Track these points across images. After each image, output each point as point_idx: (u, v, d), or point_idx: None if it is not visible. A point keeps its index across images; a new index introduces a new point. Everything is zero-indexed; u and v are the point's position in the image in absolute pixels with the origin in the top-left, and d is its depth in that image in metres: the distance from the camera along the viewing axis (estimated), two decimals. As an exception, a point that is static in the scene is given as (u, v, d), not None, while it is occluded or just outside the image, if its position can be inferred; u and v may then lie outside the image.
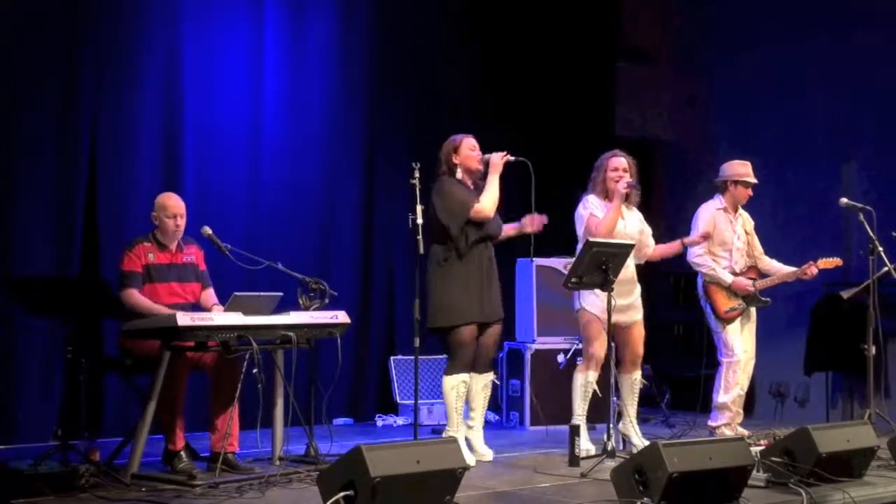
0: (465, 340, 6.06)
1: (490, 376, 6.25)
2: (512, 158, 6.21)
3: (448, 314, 6.04)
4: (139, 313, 5.58)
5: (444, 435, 6.10)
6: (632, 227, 6.53)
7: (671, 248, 6.82)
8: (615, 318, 6.29)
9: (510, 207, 6.46)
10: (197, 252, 6.00)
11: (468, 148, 6.21)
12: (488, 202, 6.09)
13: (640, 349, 6.61)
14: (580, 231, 6.50)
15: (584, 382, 6.45)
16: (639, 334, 6.59)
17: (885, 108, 8.68)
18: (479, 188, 6.22)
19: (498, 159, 6.18)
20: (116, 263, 5.91)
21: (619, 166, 6.50)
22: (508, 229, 6.40)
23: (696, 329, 7.39)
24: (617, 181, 6.44)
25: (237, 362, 5.59)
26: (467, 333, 6.06)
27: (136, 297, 5.65)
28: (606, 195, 6.49)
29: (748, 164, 7.20)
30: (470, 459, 5.85)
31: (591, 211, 6.45)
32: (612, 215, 6.36)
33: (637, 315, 6.57)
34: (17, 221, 6.76)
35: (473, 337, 6.10)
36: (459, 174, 6.21)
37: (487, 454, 6.20)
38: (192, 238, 6.00)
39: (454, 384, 6.06)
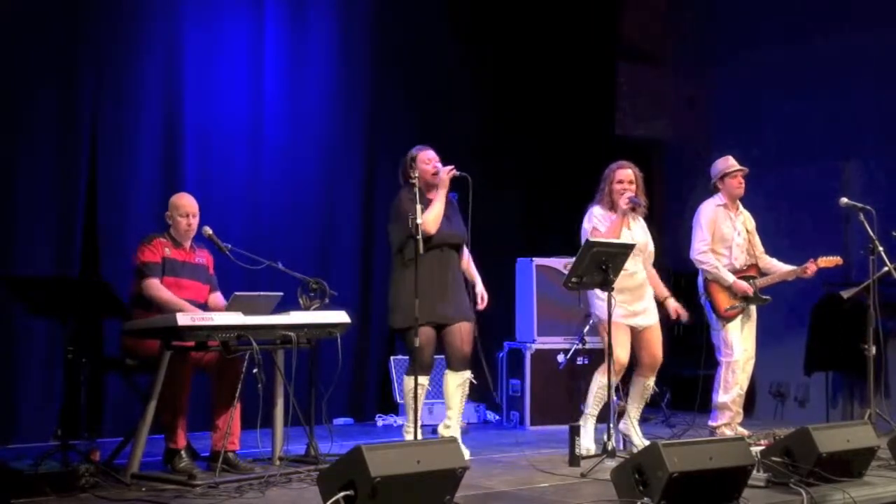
0: (418, 343, 5.99)
1: (465, 374, 6.21)
2: (457, 173, 6.12)
3: (397, 317, 6.03)
4: (158, 305, 5.58)
5: (403, 430, 6.13)
6: (638, 237, 6.52)
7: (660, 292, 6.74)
8: (631, 322, 6.38)
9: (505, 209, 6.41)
10: (207, 256, 6.02)
11: (422, 161, 6.17)
12: (430, 217, 6.02)
13: (659, 353, 6.57)
14: None
15: (602, 386, 6.41)
16: (656, 337, 6.55)
17: (885, 108, 8.67)
18: (449, 201, 6.21)
19: (444, 174, 6.12)
20: (116, 263, 5.90)
21: (624, 178, 6.47)
22: (469, 268, 6.36)
23: (696, 329, 7.38)
24: (622, 194, 6.43)
25: (237, 362, 5.59)
26: (420, 336, 5.99)
27: (159, 287, 5.65)
28: (611, 206, 6.48)
29: (729, 157, 7.24)
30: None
31: (595, 224, 6.43)
32: (612, 230, 6.35)
33: (653, 319, 6.56)
34: (18, 221, 6.76)
35: (428, 340, 6.06)
36: (422, 188, 6.14)
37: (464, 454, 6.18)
38: (203, 244, 6.02)
39: (410, 386, 6.03)
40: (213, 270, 6.04)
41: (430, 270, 6.08)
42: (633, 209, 6.49)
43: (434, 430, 7.27)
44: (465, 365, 6.21)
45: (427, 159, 6.19)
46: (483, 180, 6.33)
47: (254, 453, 5.89)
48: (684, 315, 6.70)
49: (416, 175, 5.96)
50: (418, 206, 5.92)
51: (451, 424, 6.25)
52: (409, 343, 6.00)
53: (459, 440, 6.18)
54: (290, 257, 6.69)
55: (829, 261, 7.11)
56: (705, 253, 7.07)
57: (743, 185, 7.19)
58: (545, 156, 9.13)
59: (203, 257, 5.97)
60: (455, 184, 6.21)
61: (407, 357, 7.40)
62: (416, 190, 5.89)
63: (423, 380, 6.11)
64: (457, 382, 6.20)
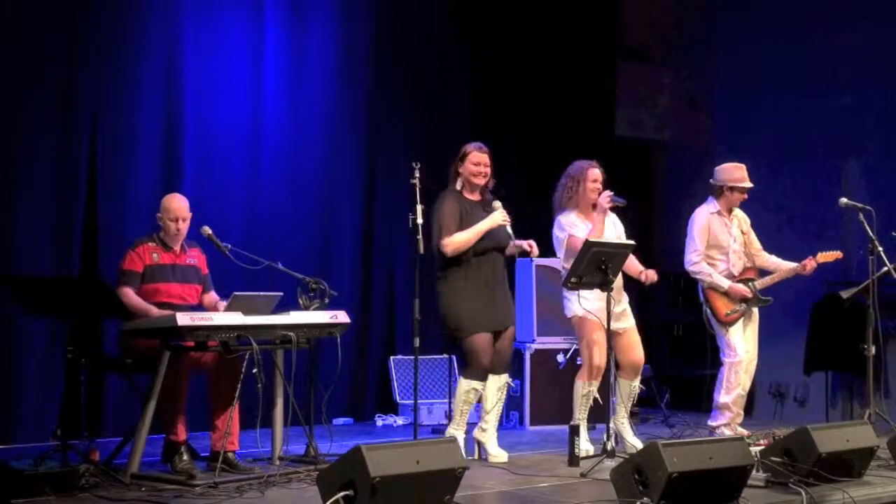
0: (479, 347, 6.05)
1: (505, 378, 6.24)
2: (508, 222, 6.08)
3: (457, 323, 6.04)
4: (132, 313, 5.58)
5: (446, 432, 6.14)
6: (609, 235, 6.45)
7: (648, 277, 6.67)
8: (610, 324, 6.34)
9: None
10: (199, 255, 6.00)
11: (472, 162, 6.16)
12: (457, 240, 6.01)
13: (640, 356, 6.57)
14: (560, 254, 6.45)
15: (586, 392, 6.43)
16: (635, 340, 6.56)
17: (885, 108, 8.68)
18: (485, 200, 6.22)
19: (499, 215, 6.05)
20: (116, 263, 5.91)
21: (598, 178, 6.46)
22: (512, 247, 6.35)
23: (696, 329, 7.38)
24: (597, 192, 6.40)
25: (237, 362, 5.59)
26: (480, 341, 6.04)
27: (131, 296, 5.66)
28: (577, 205, 6.44)
29: (743, 167, 7.16)
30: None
31: (570, 231, 6.38)
32: (598, 232, 6.30)
33: (629, 322, 6.56)
34: (18, 221, 6.76)
35: (488, 344, 6.08)
36: (460, 184, 6.20)
37: (501, 456, 6.18)
38: (196, 242, 6.01)
39: (466, 388, 6.08)
40: (206, 269, 6.02)
41: (480, 276, 6.10)
42: (612, 208, 6.43)
43: (434, 430, 7.30)
44: (506, 368, 6.26)
45: (477, 161, 6.16)
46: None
47: (254, 453, 5.90)
48: (653, 276, 6.57)
49: (417, 172, 5.98)
50: (419, 207, 5.94)
51: (488, 428, 6.25)
52: (467, 350, 6.04)
53: (496, 443, 6.21)
54: (290, 257, 6.70)
55: (829, 255, 7.09)
56: (697, 263, 7.05)
57: (744, 199, 7.16)
58: (545, 156, 9.12)
59: (194, 257, 5.95)
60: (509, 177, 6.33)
61: (410, 357, 7.43)
62: (417, 189, 5.93)
63: (479, 385, 6.11)
64: (497, 385, 6.21)
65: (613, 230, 6.54)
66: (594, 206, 6.43)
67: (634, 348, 6.55)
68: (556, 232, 6.47)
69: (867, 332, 6.97)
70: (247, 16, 7.82)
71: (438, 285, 6.13)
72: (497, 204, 6.12)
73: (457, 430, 6.10)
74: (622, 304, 6.50)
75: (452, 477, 4.54)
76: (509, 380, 6.34)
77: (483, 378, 6.12)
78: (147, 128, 7.31)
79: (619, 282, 6.42)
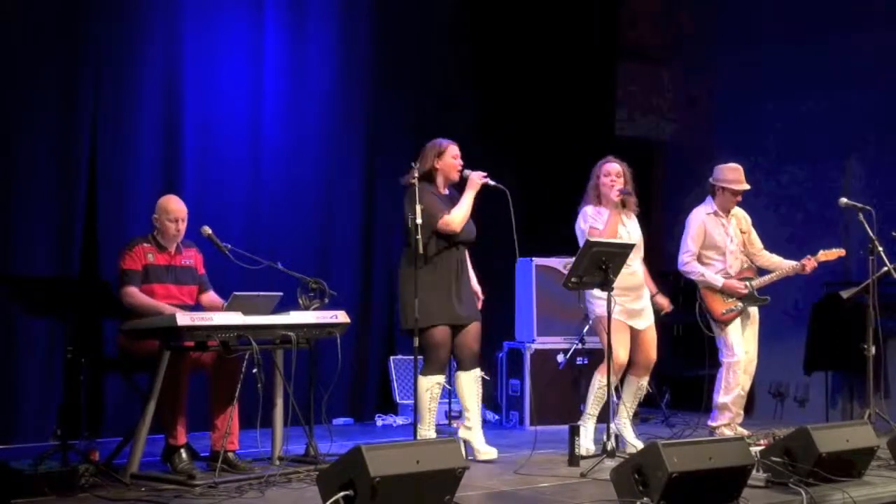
0: (438, 342, 6.04)
1: (476, 372, 6.22)
2: (491, 183, 6.16)
3: (418, 314, 5.97)
4: (139, 312, 5.57)
5: (417, 434, 6.04)
6: (635, 234, 6.51)
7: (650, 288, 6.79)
8: (630, 321, 6.38)
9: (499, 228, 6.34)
10: (196, 255, 5.98)
11: (451, 156, 6.19)
12: (458, 217, 6.07)
13: (654, 354, 6.58)
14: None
15: (602, 385, 6.42)
16: (652, 338, 6.57)
17: (886, 108, 8.68)
18: (453, 197, 6.21)
19: (477, 178, 6.14)
20: (116, 263, 5.91)
21: (611, 171, 6.46)
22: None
23: (696, 329, 7.38)
24: (610, 186, 6.42)
25: (237, 362, 5.59)
26: (439, 335, 6.04)
27: (137, 294, 5.64)
28: (600, 201, 6.49)
29: (740, 168, 7.13)
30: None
31: (591, 224, 6.41)
32: (611, 225, 6.34)
33: (649, 320, 6.57)
34: (17, 221, 6.76)
35: (446, 338, 6.08)
36: (437, 179, 6.20)
37: (490, 452, 6.18)
38: (192, 241, 5.99)
39: (428, 385, 6.05)
40: (202, 269, 6.01)
41: (448, 269, 6.10)
42: (624, 201, 6.46)
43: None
44: (475, 363, 6.23)
45: (455, 154, 6.21)
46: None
47: (253, 453, 5.89)
48: (670, 307, 6.83)
49: (417, 172, 5.97)
50: (418, 207, 5.93)
51: (472, 425, 6.24)
52: (425, 344, 6.02)
53: (482, 440, 6.20)
54: (290, 257, 6.70)
55: (831, 254, 7.07)
56: (689, 263, 7.04)
57: (738, 201, 7.15)
58: (545, 156, 9.13)
59: (190, 258, 5.93)
60: (485, 191, 6.23)
61: (410, 357, 7.42)
62: (417, 189, 5.92)
63: (441, 378, 6.12)
64: (468, 381, 6.20)
65: (638, 232, 6.55)
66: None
67: (651, 346, 6.56)
68: (580, 223, 6.49)
69: (867, 332, 6.97)
70: (247, 16, 7.83)
71: (402, 277, 6.10)
72: (467, 172, 6.15)
73: (428, 431, 6.05)
74: (643, 300, 6.53)
75: (452, 477, 4.54)
76: (481, 373, 6.30)
77: (442, 372, 6.12)
78: (147, 128, 7.31)
79: (638, 279, 6.47)
